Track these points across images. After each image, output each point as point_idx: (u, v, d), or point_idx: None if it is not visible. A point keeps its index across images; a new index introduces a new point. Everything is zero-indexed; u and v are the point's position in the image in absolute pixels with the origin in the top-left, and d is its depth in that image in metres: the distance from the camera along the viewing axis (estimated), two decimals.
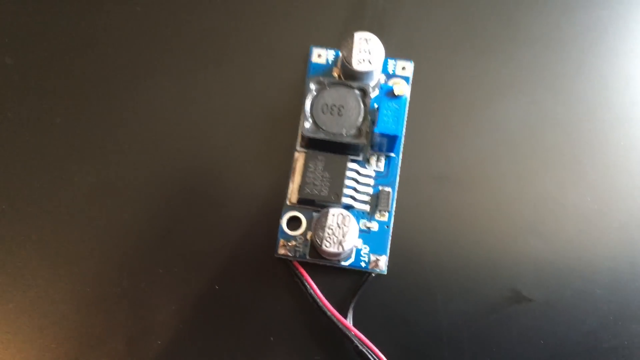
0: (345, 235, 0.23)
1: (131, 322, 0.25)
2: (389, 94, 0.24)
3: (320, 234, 0.23)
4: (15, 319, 0.25)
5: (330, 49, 0.27)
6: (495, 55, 0.28)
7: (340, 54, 0.25)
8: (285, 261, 0.25)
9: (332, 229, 0.23)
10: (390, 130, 0.24)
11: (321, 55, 0.27)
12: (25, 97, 0.27)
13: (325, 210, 0.23)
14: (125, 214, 0.26)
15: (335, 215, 0.23)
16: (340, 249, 0.23)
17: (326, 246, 0.23)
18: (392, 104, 0.24)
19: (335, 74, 0.27)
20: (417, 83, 0.27)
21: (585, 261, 0.25)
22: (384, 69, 0.27)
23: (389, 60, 0.27)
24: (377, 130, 0.24)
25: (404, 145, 0.26)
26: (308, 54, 0.27)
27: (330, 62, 0.27)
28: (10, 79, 0.27)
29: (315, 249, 0.24)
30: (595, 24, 0.28)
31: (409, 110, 0.27)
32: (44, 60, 0.27)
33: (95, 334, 0.25)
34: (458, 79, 0.27)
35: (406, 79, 0.27)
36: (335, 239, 0.23)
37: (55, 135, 0.26)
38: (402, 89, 0.24)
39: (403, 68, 0.27)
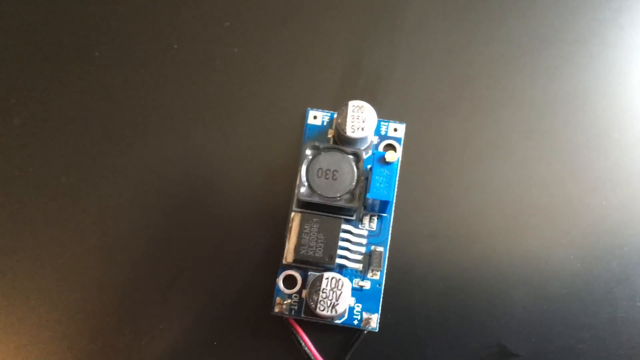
0: (338, 298, 0.24)
1: None
2: (381, 160, 0.25)
3: (315, 297, 0.24)
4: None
5: (325, 111, 0.28)
6: (484, 118, 0.29)
7: (335, 120, 0.27)
8: (281, 318, 0.26)
9: (325, 293, 0.24)
10: (382, 196, 0.25)
11: (317, 117, 0.28)
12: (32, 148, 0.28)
13: (320, 274, 0.24)
14: (128, 271, 0.27)
15: (329, 279, 0.24)
16: (334, 312, 0.24)
17: (320, 310, 0.24)
18: (384, 170, 0.25)
19: (330, 135, 0.28)
20: (409, 144, 0.28)
21: (567, 317, 0.27)
22: (377, 131, 0.28)
23: (382, 123, 0.28)
24: (369, 196, 0.25)
25: (396, 204, 0.27)
26: (305, 116, 0.28)
27: (325, 124, 0.28)
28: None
29: (309, 309, 0.25)
30: (578, 87, 0.29)
31: (400, 170, 0.28)
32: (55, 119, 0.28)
33: None
34: (448, 140, 0.29)
35: (398, 140, 0.28)
36: (329, 303, 0.24)
37: (62, 194, 0.28)
38: (394, 156, 0.25)
39: (395, 130, 0.28)
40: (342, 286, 0.24)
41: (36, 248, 0.27)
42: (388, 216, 0.27)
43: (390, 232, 0.27)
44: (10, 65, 0.29)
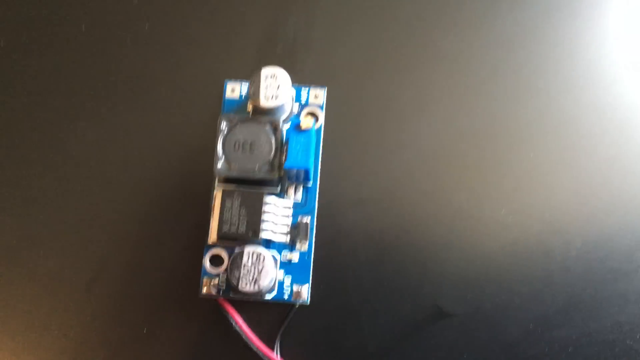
0: (260, 272, 0.23)
1: None
2: (297, 127, 0.24)
3: (236, 273, 0.23)
4: None
5: (245, 81, 0.27)
6: (407, 75, 0.28)
7: (249, 90, 0.26)
8: (211, 300, 0.25)
9: (247, 268, 0.23)
10: (300, 164, 0.24)
11: (235, 90, 0.27)
12: None
13: (239, 250, 0.23)
14: (57, 261, 0.26)
15: (249, 254, 0.23)
16: (257, 288, 0.23)
17: (242, 286, 0.23)
18: (300, 138, 0.24)
19: (249, 109, 0.27)
20: (332, 109, 0.27)
21: (502, 272, 0.26)
22: (297, 98, 0.27)
23: (302, 89, 0.27)
24: (286, 165, 0.24)
25: (321, 171, 0.27)
26: (223, 89, 0.27)
27: (243, 97, 0.27)
28: None
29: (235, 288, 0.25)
30: (501, 38, 0.28)
31: (324, 136, 0.27)
32: None
33: None
34: (371, 102, 0.28)
35: (320, 107, 0.27)
36: (250, 278, 0.23)
37: None
38: (309, 123, 0.24)
39: (315, 96, 0.27)
40: (263, 259, 0.23)
41: None
42: (313, 185, 0.26)
43: (316, 201, 0.26)
44: None
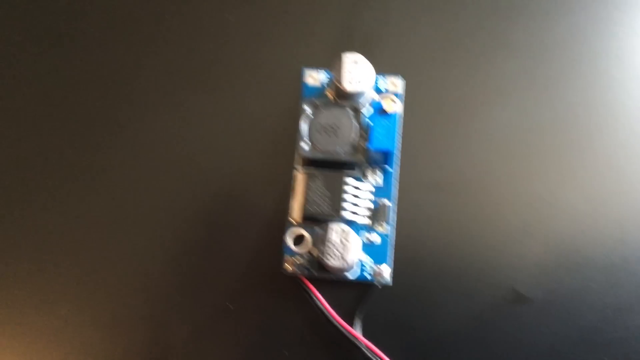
0: (347, 248, 0.24)
1: (151, 343, 0.26)
2: (380, 111, 0.25)
3: (323, 249, 0.24)
4: (42, 346, 0.26)
5: (322, 70, 0.28)
6: (482, 67, 0.29)
7: (332, 75, 0.27)
8: (293, 277, 0.26)
9: (334, 244, 0.24)
10: (383, 146, 0.25)
11: (314, 77, 0.28)
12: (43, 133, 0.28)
13: (326, 225, 0.24)
14: (141, 243, 0.27)
15: (336, 230, 0.24)
16: (344, 263, 0.24)
17: (329, 260, 0.24)
18: (384, 121, 0.25)
19: (329, 95, 0.28)
20: (409, 97, 0.28)
21: (579, 258, 0.26)
22: (375, 86, 0.28)
23: (380, 78, 0.28)
24: (371, 146, 0.25)
25: (400, 157, 0.27)
26: (301, 76, 0.28)
27: (323, 84, 0.28)
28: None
29: (320, 264, 0.25)
30: (575, 30, 0.29)
31: (403, 124, 0.28)
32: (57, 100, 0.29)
33: (117, 356, 0.26)
34: (447, 91, 0.28)
35: (397, 94, 0.28)
36: (338, 253, 0.24)
37: (73, 170, 0.28)
38: (392, 105, 0.25)
39: (393, 84, 0.28)
40: (348, 236, 0.24)
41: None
42: (392, 169, 0.27)
43: (396, 185, 0.27)
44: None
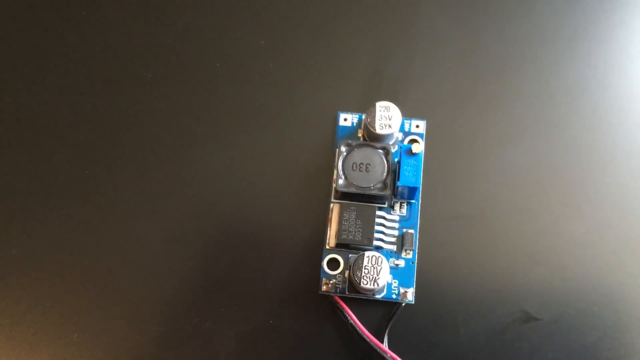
0: (379, 273, 0.27)
1: (199, 354, 0.29)
2: (408, 152, 0.29)
3: (359, 274, 0.27)
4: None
5: (354, 113, 0.32)
6: (496, 111, 0.32)
7: (364, 119, 0.30)
8: (327, 297, 0.30)
9: (367, 269, 0.27)
10: (411, 183, 0.29)
11: (347, 119, 0.32)
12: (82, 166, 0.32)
13: (361, 253, 0.28)
14: (190, 264, 0.30)
15: (369, 257, 0.28)
16: (376, 285, 0.27)
17: (364, 284, 0.27)
18: (411, 161, 0.29)
19: (360, 135, 0.32)
20: (430, 138, 0.32)
21: (582, 283, 0.30)
22: (401, 128, 0.32)
23: (405, 121, 0.32)
24: (400, 184, 0.29)
25: (422, 192, 0.31)
26: (336, 119, 0.32)
27: (354, 125, 0.32)
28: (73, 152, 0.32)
29: (353, 285, 0.29)
30: (579, 79, 0.33)
31: (424, 162, 0.31)
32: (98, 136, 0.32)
33: None
34: (465, 132, 0.32)
35: (420, 135, 0.32)
36: (371, 277, 0.27)
37: (128, 199, 0.31)
38: (419, 147, 0.29)
39: (417, 126, 0.32)
40: (381, 262, 0.27)
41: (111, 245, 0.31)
42: (416, 202, 0.31)
43: (419, 216, 0.30)
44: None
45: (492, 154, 0.32)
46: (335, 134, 0.32)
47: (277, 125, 0.32)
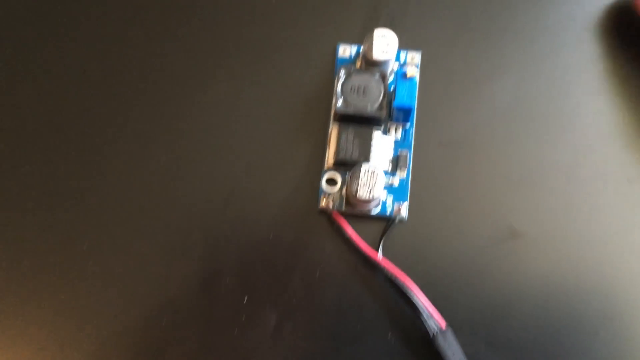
0: (375, 184, 0.29)
1: (204, 266, 0.31)
2: (403, 76, 0.31)
3: (355, 184, 0.29)
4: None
5: (353, 44, 0.34)
6: (487, 44, 0.34)
7: (363, 47, 0.32)
8: (325, 213, 0.32)
9: (363, 181, 0.29)
10: (406, 103, 0.30)
11: (345, 50, 0.34)
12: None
13: (358, 164, 0.30)
14: (194, 184, 0.32)
15: (365, 169, 0.29)
16: (371, 196, 0.29)
17: (360, 194, 0.29)
18: (406, 83, 0.31)
19: (358, 65, 0.33)
20: (425, 68, 0.34)
21: (565, 201, 0.32)
22: (397, 58, 0.33)
23: (401, 52, 0.33)
24: (395, 104, 0.30)
25: (416, 118, 0.33)
26: (335, 50, 0.34)
27: (353, 56, 0.34)
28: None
29: (349, 201, 0.31)
30: (566, 19, 0.34)
31: (418, 91, 0.33)
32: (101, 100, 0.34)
33: (174, 277, 0.31)
34: (457, 64, 0.34)
35: (416, 65, 0.33)
36: (367, 188, 0.29)
37: (133, 126, 0.33)
38: (413, 71, 0.30)
39: (412, 58, 0.34)
40: (376, 174, 0.29)
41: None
42: (411, 126, 0.32)
43: (413, 139, 0.32)
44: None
45: (484, 85, 0.33)
46: (334, 65, 0.34)
47: (279, 56, 0.34)
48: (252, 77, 0.34)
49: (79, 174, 0.33)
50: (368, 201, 0.30)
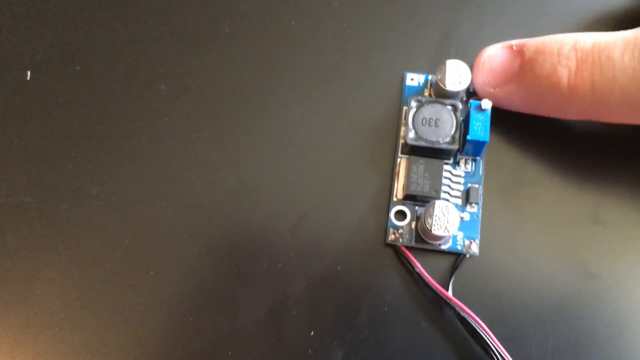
0: (449, 221, 0.29)
1: (270, 295, 0.31)
2: (478, 107, 0.30)
3: (429, 221, 0.29)
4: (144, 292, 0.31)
5: (420, 73, 0.33)
6: None
7: (436, 77, 0.31)
8: (394, 247, 0.31)
9: (438, 217, 0.29)
10: (480, 137, 0.30)
11: (413, 79, 0.33)
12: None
13: (432, 202, 0.29)
14: (263, 210, 0.32)
15: (440, 205, 0.29)
16: (446, 232, 0.28)
17: (435, 230, 0.28)
18: (481, 116, 0.30)
19: (426, 94, 0.33)
20: None
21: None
22: (469, 89, 0.33)
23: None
24: (469, 137, 0.30)
25: (487, 150, 0.32)
26: (403, 78, 0.33)
27: (421, 85, 0.33)
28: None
29: (420, 234, 0.30)
30: None
31: (491, 122, 0.32)
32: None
33: (241, 305, 0.31)
34: None
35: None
36: (441, 225, 0.28)
37: (205, 148, 0.33)
38: (488, 104, 0.30)
39: None
40: (451, 210, 0.29)
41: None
42: (481, 160, 0.32)
43: (483, 173, 0.31)
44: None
45: (556, 120, 0.33)
46: (401, 93, 0.33)
47: (348, 82, 0.34)
48: (320, 103, 0.33)
49: (141, 198, 0.32)
50: (442, 237, 0.29)
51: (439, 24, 0.35)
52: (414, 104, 0.31)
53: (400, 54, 0.34)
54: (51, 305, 0.31)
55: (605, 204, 0.31)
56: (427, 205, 0.29)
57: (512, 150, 0.32)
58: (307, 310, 0.31)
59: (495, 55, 0.30)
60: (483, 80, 0.30)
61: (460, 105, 0.31)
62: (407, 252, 0.31)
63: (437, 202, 0.29)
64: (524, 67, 0.29)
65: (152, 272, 0.31)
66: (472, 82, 0.31)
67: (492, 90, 0.30)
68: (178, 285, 0.31)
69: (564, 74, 0.27)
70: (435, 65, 0.33)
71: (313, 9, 0.35)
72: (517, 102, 0.30)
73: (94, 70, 0.35)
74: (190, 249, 0.31)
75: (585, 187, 0.32)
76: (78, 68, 0.35)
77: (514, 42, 0.30)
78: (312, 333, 0.30)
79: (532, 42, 0.29)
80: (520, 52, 0.29)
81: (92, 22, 0.36)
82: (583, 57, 0.27)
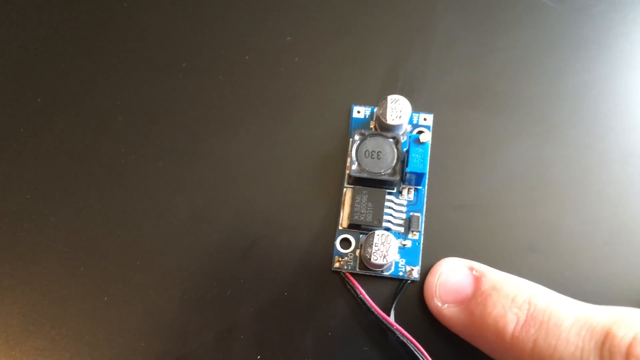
0: (388, 250, 0.30)
1: (219, 320, 0.32)
2: (416, 141, 0.31)
3: (369, 250, 0.30)
4: (123, 319, 0.32)
5: (367, 106, 0.35)
6: (501, 109, 0.35)
7: (376, 112, 0.33)
8: (339, 273, 0.32)
9: (377, 246, 0.30)
10: (418, 169, 0.31)
11: (360, 112, 0.35)
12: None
13: (372, 231, 0.30)
14: (214, 237, 0.33)
15: (379, 235, 0.30)
16: (385, 261, 0.30)
17: (374, 259, 0.30)
18: (419, 149, 0.31)
19: (372, 126, 0.34)
20: (437, 131, 0.34)
21: (575, 272, 0.32)
22: (410, 121, 0.34)
23: (414, 114, 0.34)
24: (408, 169, 0.31)
25: (428, 179, 0.33)
26: (350, 111, 0.35)
27: (367, 117, 0.35)
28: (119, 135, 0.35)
29: (363, 262, 0.31)
30: (580, 84, 0.35)
31: (431, 152, 0.34)
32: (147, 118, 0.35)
33: (191, 330, 0.32)
34: (471, 128, 0.35)
35: (427, 127, 0.34)
36: (380, 254, 0.30)
37: (159, 177, 0.34)
38: (426, 137, 0.31)
39: (424, 119, 0.34)
40: (390, 240, 0.30)
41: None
42: (422, 189, 0.33)
43: (425, 201, 0.33)
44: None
45: (496, 150, 0.34)
46: (349, 125, 0.35)
47: (296, 114, 0.35)
48: (273, 134, 0.35)
49: (97, 226, 0.33)
50: (381, 266, 0.30)
51: (387, 58, 0.36)
52: (357, 137, 0.32)
53: (349, 87, 0.36)
54: None
55: (545, 229, 0.33)
56: (367, 234, 0.31)
57: (454, 177, 0.34)
58: (254, 335, 0.32)
59: (453, 271, 0.30)
60: (434, 291, 0.30)
61: (401, 138, 0.32)
62: (352, 279, 0.32)
63: (377, 232, 0.30)
64: (476, 298, 0.28)
65: (105, 298, 0.32)
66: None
67: (439, 304, 0.30)
68: (130, 310, 0.32)
69: (511, 322, 0.26)
70: (381, 98, 0.34)
71: (267, 44, 0.37)
72: (458, 327, 0.29)
73: (55, 101, 0.36)
74: (142, 275, 0.32)
75: (522, 215, 0.33)
76: (39, 100, 0.36)
77: (476, 265, 0.30)
78: (258, 357, 0.31)
79: (491, 276, 0.29)
80: (478, 280, 0.29)
81: (50, 54, 0.37)
82: (534, 314, 0.26)
